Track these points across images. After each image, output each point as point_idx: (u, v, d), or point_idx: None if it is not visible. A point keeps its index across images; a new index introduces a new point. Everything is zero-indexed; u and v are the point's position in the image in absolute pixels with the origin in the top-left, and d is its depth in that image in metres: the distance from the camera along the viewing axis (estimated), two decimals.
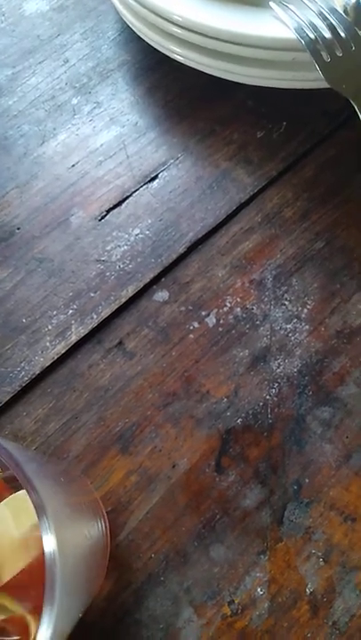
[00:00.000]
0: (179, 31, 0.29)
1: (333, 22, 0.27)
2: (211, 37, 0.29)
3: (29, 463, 0.15)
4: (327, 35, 0.27)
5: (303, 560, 0.23)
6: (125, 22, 0.33)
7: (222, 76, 0.30)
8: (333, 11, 0.28)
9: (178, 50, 0.31)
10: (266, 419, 0.25)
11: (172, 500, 0.24)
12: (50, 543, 0.13)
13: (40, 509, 0.13)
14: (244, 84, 0.30)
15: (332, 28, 0.27)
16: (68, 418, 0.25)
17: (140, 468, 0.24)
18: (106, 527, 0.23)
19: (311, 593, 0.22)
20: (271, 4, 0.29)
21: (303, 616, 0.22)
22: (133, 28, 0.33)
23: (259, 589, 0.23)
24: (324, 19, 0.27)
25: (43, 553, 0.13)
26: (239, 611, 0.22)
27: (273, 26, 0.28)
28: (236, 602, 0.22)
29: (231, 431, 0.25)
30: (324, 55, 0.27)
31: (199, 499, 0.24)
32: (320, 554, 0.23)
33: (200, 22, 0.28)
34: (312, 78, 0.28)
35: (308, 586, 0.23)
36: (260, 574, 0.23)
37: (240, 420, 0.25)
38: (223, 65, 0.30)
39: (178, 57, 0.31)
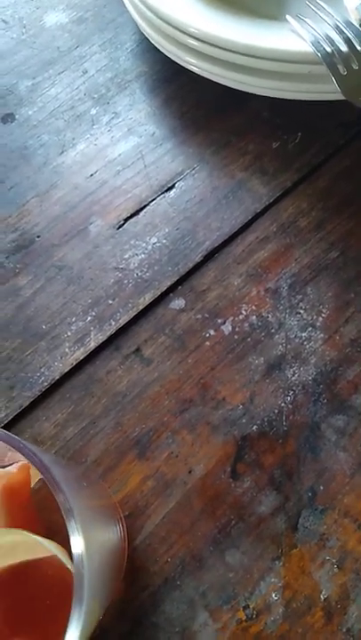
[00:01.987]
0: (195, 43, 0.30)
1: (349, 35, 0.28)
2: (227, 50, 0.29)
3: (54, 466, 0.16)
4: (343, 48, 0.27)
5: (318, 566, 0.23)
6: (143, 34, 0.34)
7: (238, 88, 0.31)
8: (349, 24, 0.28)
9: (194, 61, 0.31)
10: (281, 426, 0.25)
11: (189, 505, 0.24)
12: (78, 545, 0.13)
13: (68, 512, 0.14)
14: (260, 95, 0.31)
15: (348, 41, 0.28)
16: (86, 423, 0.26)
17: (157, 473, 0.25)
18: (123, 531, 0.23)
19: (325, 599, 0.23)
20: (288, 17, 0.29)
21: (317, 622, 0.22)
22: (151, 40, 0.33)
23: (273, 595, 0.23)
24: (341, 32, 0.28)
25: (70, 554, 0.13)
26: (254, 615, 0.23)
27: (290, 39, 0.28)
28: (251, 607, 0.23)
29: (247, 438, 0.25)
30: (341, 68, 0.27)
31: (215, 504, 0.24)
32: (334, 560, 0.23)
33: (217, 35, 0.29)
34: (328, 90, 0.29)
35: (323, 592, 0.23)
36: (275, 580, 0.23)
37: (255, 426, 0.26)
38: (239, 77, 0.30)
39: (194, 68, 0.32)
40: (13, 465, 0.20)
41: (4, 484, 0.19)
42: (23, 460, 0.20)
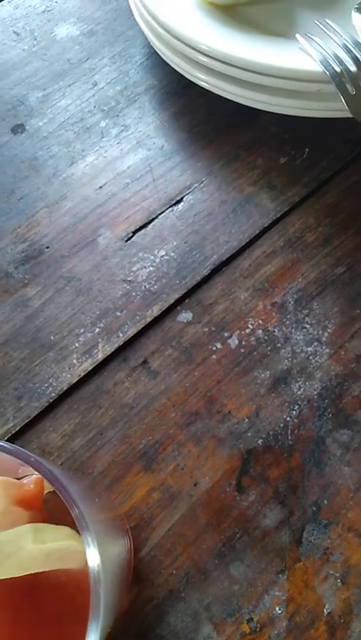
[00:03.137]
0: (205, 60, 0.31)
1: (358, 55, 0.28)
2: (237, 67, 0.30)
3: (65, 479, 0.16)
4: (352, 67, 0.28)
5: (321, 580, 0.23)
6: (153, 47, 0.35)
7: (247, 104, 0.31)
8: (358, 44, 0.29)
9: (204, 77, 0.32)
10: (286, 440, 0.26)
11: (194, 518, 0.25)
12: (94, 559, 0.14)
13: (84, 527, 0.14)
14: (269, 111, 0.31)
15: (356, 61, 0.28)
16: (93, 434, 0.26)
17: (163, 486, 0.25)
18: (130, 543, 0.24)
19: (329, 613, 0.23)
20: (297, 36, 0.30)
21: (321, 637, 0.23)
22: (160, 54, 0.34)
23: (277, 608, 0.23)
24: (349, 51, 0.28)
25: (86, 568, 0.13)
26: (258, 629, 0.23)
27: (299, 57, 0.29)
28: (254, 620, 0.23)
29: (252, 451, 0.26)
30: (349, 87, 0.27)
31: (220, 517, 0.25)
32: (338, 575, 0.23)
33: (227, 52, 0.29)
34: (336, 108, 0.29)
35: (326, 606, 0.23)
36: (279, 593, 0.23)
37: (261, 440, 0.26)
38: (248, 93, 0.31)
39: (204, 84, 0.32)
40: (27, 478, 0.20)
41: (21, 495, 0.19)
42: (36, 474, 0.20)
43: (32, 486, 0.17)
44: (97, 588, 0.13)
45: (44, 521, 0.18)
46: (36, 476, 0.20)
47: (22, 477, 0.19)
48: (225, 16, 0.32)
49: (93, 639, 0.13)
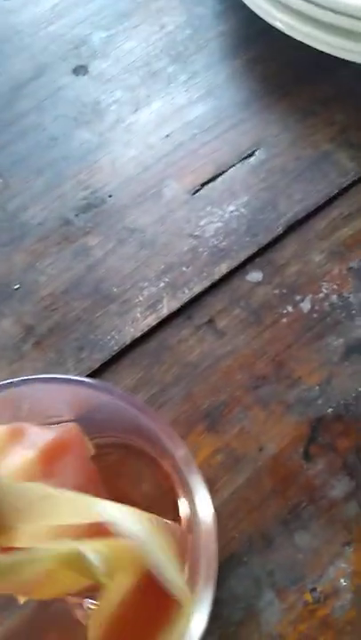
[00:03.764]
0: None
1: None
2: (321, 6, 0.27)
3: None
4: None
5: None
6: None
7: (329, 52, 0.29)
8: None
9: (282, 17, 0.29)
10: (358, 410, 0.25)
11: (259, 483, 0.24)
12: (207, 504, 0.13)
13: (191, 466, 0.13)
14: (351, 63, 0.29)
15: None
16: (155, 390, 0.25)
17: (227, 448, 0.24)
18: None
19: None
20: None
21: None
22: None
23: (342, 580, 0.22)
24: None
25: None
26: (321, 599, 0.22)
27: None
28: (318, 590, 0.22)
29: (321, 420, 0.25)
30: None
31: (285, 484, 0.24)
32: None
33: None
34: None
35: None
36: (345, 565, 0.23)
37: (331, 409, 0.25)
38: (331, 39, 0.29)
39: (281, 26, 0.30)
40: (55, 427, 0.18)
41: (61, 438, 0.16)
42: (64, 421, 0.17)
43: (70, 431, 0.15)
44: (210, 542, 0.12)
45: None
46: (67, 423, 0.17)
47: (51, 423, 0.17)
48: None
49: (205, 610, 0.12)
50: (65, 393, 0.15)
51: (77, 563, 0.11)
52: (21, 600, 0.15)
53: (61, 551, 0.11)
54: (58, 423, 0.16)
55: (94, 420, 0.18)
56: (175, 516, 0.18)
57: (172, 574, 0.10)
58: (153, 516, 0.13)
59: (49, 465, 0.14)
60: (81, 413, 0.17)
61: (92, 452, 0.16)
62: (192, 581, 0.13)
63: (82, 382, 0.15)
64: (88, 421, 0.18)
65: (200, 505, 0.13)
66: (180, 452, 0.14)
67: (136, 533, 0.10)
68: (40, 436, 0.14)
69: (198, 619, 0.12)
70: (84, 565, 0.11)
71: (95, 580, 0.11)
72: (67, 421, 0.16)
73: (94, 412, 0.18)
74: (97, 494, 0.15)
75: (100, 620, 0.11)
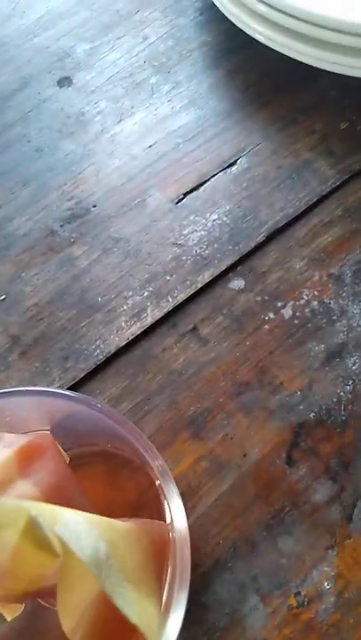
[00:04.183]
0: (266, 10, 0.29)
1: None
2: (300, 19, 0.28)
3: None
4: None
5: None
6: (207, 2, 0.33)
7: (308, 62, 0.30)
8: None
9: (263, 30, 0.30)
10: (339, 415, 0.25)
11: (242, 489, 0.24)
12: (181, 514, 0.13)
13: (165, 475, 0.13)
14: (329, 73, 0.29)
15: None
16: (140, 399, 0.25)
17: (211, 455, 0.25)
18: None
19: None
20: None
21: None
22: (217, 4, 0.32)
23: (326, 584, 0.23)
24: None
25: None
26: (305, 603, 0.22)
27: None
28: (302, 594, 0.23)
29: (303, 425, 0.25)
30: None
31: (269, 489, 0.24)
32: None
33: (289, 2, 0.27)
34: None
35: None
36: (328, 569, 0.23)
37: (313, 414, 0.25)
38: (310, 50, 0.29)
39: (261, 38, 0.30)
40: (32, 434, 0.18)
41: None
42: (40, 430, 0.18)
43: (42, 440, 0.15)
44: (184, 549, 0.12)
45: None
46: (41, 432, 0.18)
47: (27, 432, 0.17)
48: None
49: (180, 612, 0.12)
50: (43, 405, 0.15)
51: (32, 531, 0.11)
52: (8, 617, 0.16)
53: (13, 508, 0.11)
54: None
55: (77, 431, 0.19)
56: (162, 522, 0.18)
57: (126, 602, 0.11)
58: (127, 527, 0.13)
59: (25, 464, 0.14)
60: (60, 424, 0.17)
61: (67, 459, 0.16)
62: (168, 587, 0.13)
63: (59, 394, 0.15)
64: (69, 431, 0.18)
65: (175, 514, 0.13)
66: (156, 462, 0.14)
67: (87, 558, 0.10)
68: (16, 439, 0.15)
69: (173, 623, 0.12)
70: (39, 534, 0.11)
71: (52, 554, 0.11)
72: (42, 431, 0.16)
73: (76, 422, 0.18)
74: (72, 498, 0.15)
75: (67, 607, 0.11)
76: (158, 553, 0.13)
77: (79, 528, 0.11)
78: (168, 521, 0.15)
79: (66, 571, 0.11)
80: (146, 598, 0.11)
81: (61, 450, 0.16)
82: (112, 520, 0.13)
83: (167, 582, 0.14)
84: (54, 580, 0.11)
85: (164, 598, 0.13)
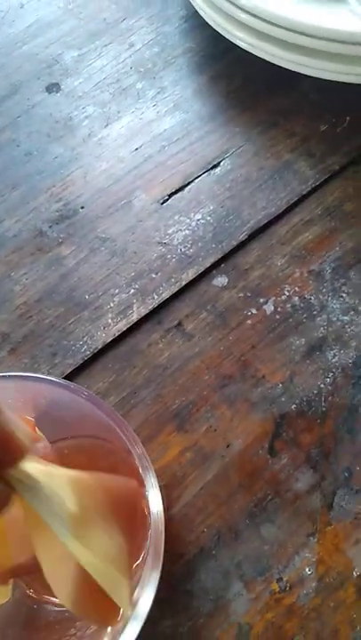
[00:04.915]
0: (247, 17, 0.30)
1: None
2: (280, 26, 0.29)
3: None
4: None
5: (352, 544, 0.24)
6: (191, 10, 0.34)
7: (288, 67, 0.31)
8: None
9: (244, 37, 0.31)
10: (320, 406, 0.26)
11: (226, 478, 0.25)
12: (157, 502, 0.14)
13: (144, 462, 0.14)
14: (309, 77, 0.30)
15: None
16: (127, 392, 0.26)
17: (196, 446, 0.25)
18: (162, 499, 0.24)
19: (358, 576, 0.23)
20: None
21: (349, 597, 0.23)
22: (200, 13, 0.33)
23: (307, 569, 0.23)
24: None
25: (147, 512, 0.13)
26: (287, 588, 0.23)
27: (347, 19, 0.28)
28: (284, 579, 0.23)
29: (285, 416, 0.26)
30: None
31: (252, 479, 0.25)
32: None
33: (270, 10, 0.28)
34: None
35: (356, 569, 0.23)
36: (309, 555, 0.24)
37: (294, 405, 0.26)
38: (290, 55, 0.30)
39: (244, 44, 0.31)
40: None
41: None
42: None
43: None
44: (160, 533, 0.13)
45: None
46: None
47: None
48: None
49: (154, 585, 0.13)
50: (27, 391, 0.16)
51: None
52: None
53: None
54: None
55: (62, 420, 0.19)
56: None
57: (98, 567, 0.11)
58: (93, 478, 0.13)
59: None
60: (45, 412, 0.18)
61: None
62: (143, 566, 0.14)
63: (43, 379, 0.16)
64: (55, 420, 0.19)
65: (152, 500, 0.14)
66: (137, 449, 0.15)
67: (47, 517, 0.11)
68: None
69: (143, 602, 0.13)
70: None
71: None
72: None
73: (61, 410, 0.19)
74: None
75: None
76: (125, 505, 0.14)
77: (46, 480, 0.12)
78: (148, 510, 0.16)
79: (41, 542, 0.12)
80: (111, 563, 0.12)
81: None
82: (78, 472, 0.13)
83: (142, 561, 0.15)
84: (23, 555, 0.12)
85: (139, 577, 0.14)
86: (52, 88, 0.34)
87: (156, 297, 0.28)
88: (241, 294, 0.28)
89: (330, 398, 0.26)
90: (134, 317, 0.27)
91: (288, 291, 0.28)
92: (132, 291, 0.28)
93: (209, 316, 0.28)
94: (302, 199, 0.30)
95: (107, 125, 0.33)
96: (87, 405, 0.16)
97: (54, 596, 0.20)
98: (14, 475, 0.12)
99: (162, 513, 0.14)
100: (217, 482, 0.25)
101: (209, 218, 0.30)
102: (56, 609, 0.21)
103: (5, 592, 0.19)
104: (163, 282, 0.28)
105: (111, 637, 0.13)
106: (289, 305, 0.28)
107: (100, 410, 0.16)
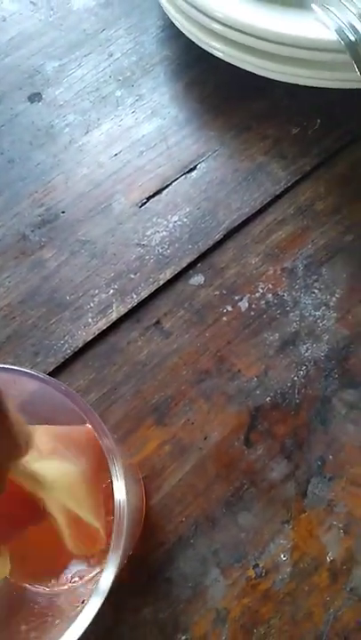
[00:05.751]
0: (220, 28, 0.31)
1: None
2: (251, 35, 0.30)
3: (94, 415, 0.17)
4: None
5: (325, 530, 0.24)
6: (168, 19, 0.35)
7: (260, 73, 0.32)
8: None
9: (218, 46, 0.32)
10: (293, 398, 0.27)
11: (203, 470, 0.26)
12: (121, 490, 0.14)
13: (111, 455, 0.15)
14: (279, 82, 0.31)
15: None
16: (107, 389, 0.27)
17: (174, 439, 0.26)
18: (142, 491, 0.25)
19: (331, 561, 0.24)
20: (313, 5, 0.30)
21: (323, 582, 0.24)
22: (176, 23, 0.34)
23: (282, 555, 0.24)
24: None
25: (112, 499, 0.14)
26: (263, 574, 0.24)
27: (314, 26, 0.29)
28: (260, 565, 0.24)
29: (260, 408, 0.27)
30: None
31: (228, 469, 0.26)
32: (341, 525, 0.24)
33: (241, 20, 0.30)
34: (349, 78, 0.29)
35: (329, 554, 0.24)
36: (284, 541, 0.24)
37: (269, 398, 0.27)
38: (261, 62, 0.31)
39: (218, 53, 0.33)
40: None
41: None
42: None
43: None
44: (122, 519, 0.14)
45: None
46: None
47: None
48: None
49: (112, 569, 0.13)
50: (7, 386, 0.17)
51: None
52: None
53: None
54: None
55: (39, 414, 0.20)
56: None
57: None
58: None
59: None
60: (23, 407, 0.19)
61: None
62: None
63: (22, 372, 0.17)
64: (32, 414, 0.20)
65: (117, 489, 0.15)
66: (105, 441, 0.15)
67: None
68: None
69: (103, 580, 0.14)
70: None
71: None
72: None
73: (38, 404, 0.19)
74: None
75: None
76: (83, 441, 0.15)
77: None
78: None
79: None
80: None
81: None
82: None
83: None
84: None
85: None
86: (34, 97, 0.35)
87: (134, 296, 0.29)
88: (217, 292, 0.29)
89: (303, 390, 0.27)
90: (114, 316, 0.28)
91: (262, 288, 0.29)
92: (112, 291, 0.29)
93: (186, 314, 0.29)
94: (275, 199, 0.31)
95: (87, 132, 0.34)
96: (59, 397, 0.17)
97: (35, 584, 0.21)
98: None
99: (124, 502, 0.15)
100: (195, 473, 0.25)
101: (186, 219, 0.31)
102: (38, 597, 0.22)
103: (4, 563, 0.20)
104: (141, 282, 0.29)
105: (77, 612, 0.14)
106: (263, 301, 0.29)
107: (73, 403, 0.17)
